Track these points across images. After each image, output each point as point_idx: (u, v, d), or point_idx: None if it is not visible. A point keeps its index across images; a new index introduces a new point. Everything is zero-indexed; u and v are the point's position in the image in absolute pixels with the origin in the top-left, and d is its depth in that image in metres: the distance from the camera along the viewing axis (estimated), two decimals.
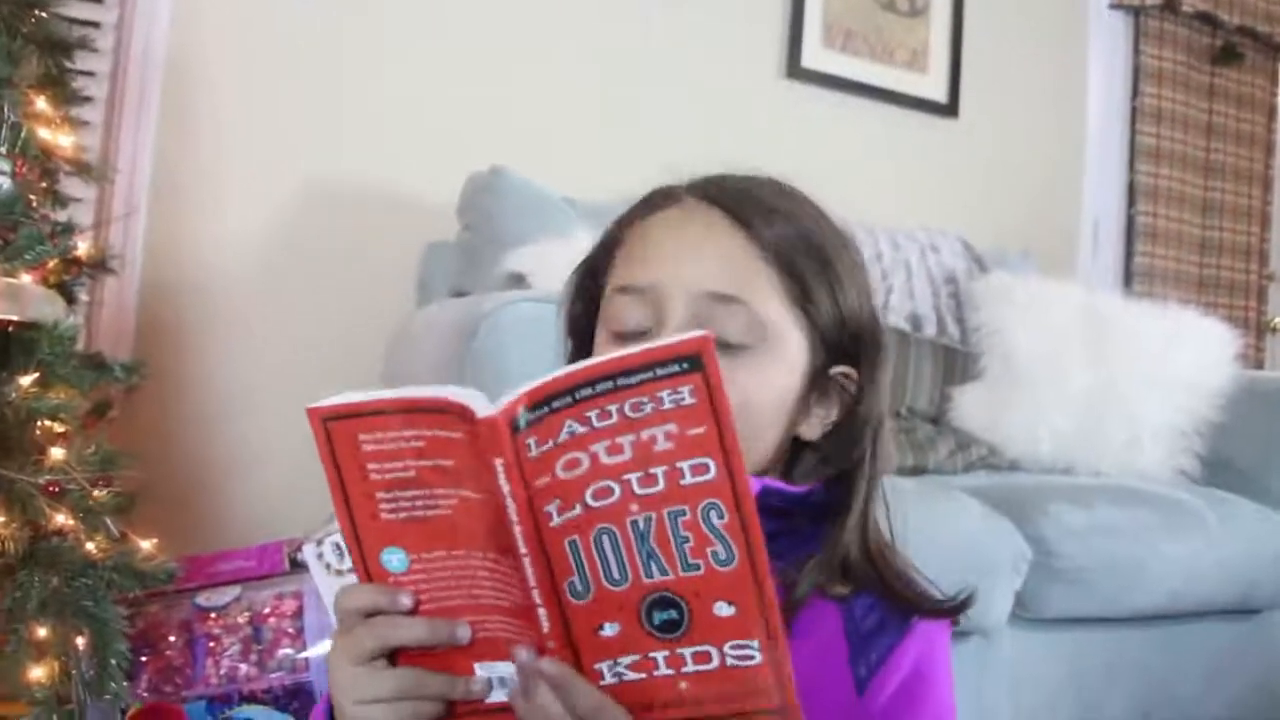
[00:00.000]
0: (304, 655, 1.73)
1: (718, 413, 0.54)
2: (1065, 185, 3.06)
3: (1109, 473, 2.15)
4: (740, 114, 2.68)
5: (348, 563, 1.89)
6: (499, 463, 0.56)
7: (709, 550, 0.57)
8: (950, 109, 2.94)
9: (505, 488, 0.57)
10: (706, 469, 0.55)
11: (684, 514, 0.57)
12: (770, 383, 0.75)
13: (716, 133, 2.59)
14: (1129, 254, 3.03)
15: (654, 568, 0.58)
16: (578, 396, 0.55)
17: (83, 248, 1.62)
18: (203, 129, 2.20)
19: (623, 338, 0.76)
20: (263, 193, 2.27)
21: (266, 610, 1.78)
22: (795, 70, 2.77)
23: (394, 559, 0.62)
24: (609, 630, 0.59)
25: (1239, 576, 1.90)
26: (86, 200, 1.96)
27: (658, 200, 0.81)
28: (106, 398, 1.58)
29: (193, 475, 2.22)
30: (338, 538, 1.85)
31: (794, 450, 0.80)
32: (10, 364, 1.33)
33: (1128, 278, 3.03)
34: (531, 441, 0.56)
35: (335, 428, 0.59)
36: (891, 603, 0.76)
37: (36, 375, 1.29)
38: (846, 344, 0.78)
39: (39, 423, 1.28)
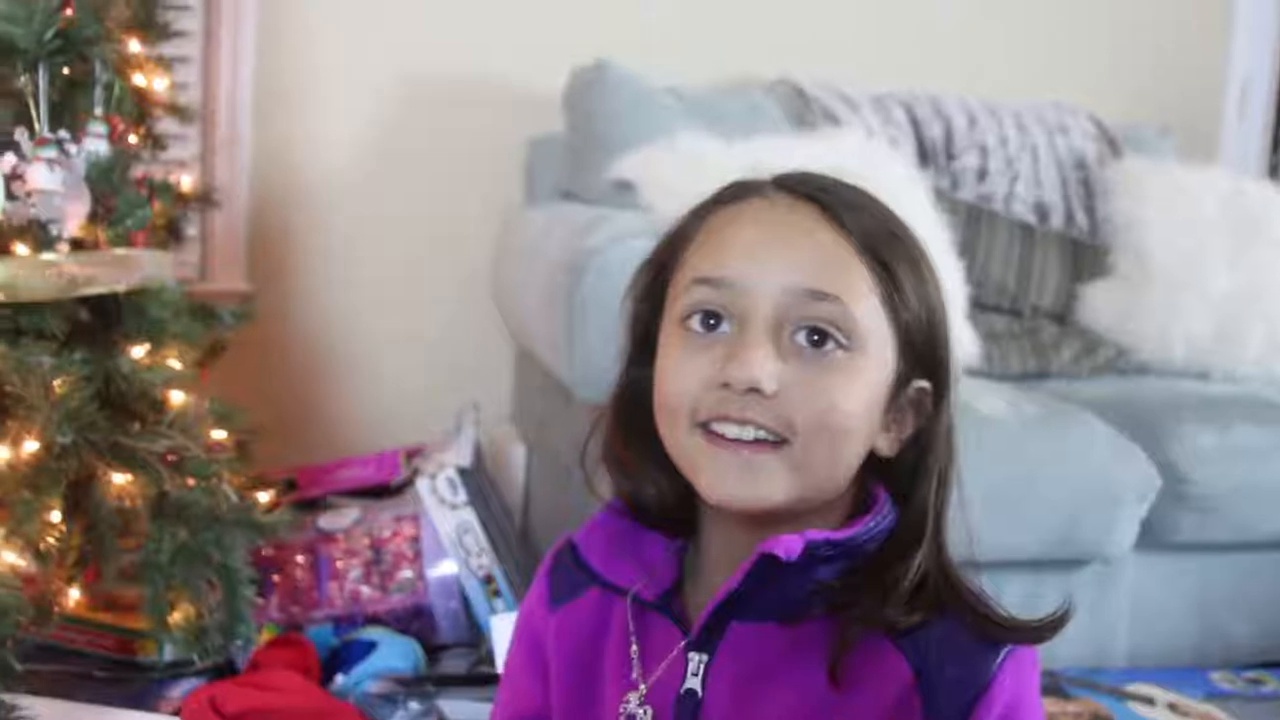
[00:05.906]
0: (423, 577, 1.77)
1: None
2: (1208, 43, 2.79)
3: (1248, 378, 2.03)
4: None
5: (461, 496, 1.90)
6: None
7: None
8: None
9: None
10: None
11: None
12: (861, 388, 0.71)
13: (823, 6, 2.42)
14: None
15: None
16: None
17: (187, 182, 1.61)
18: (297, 43, 2.16)
19: (699, 333, 0.72)
20: (362, 97, 2.24)
21: (386, 534, 1.82)
22: None
23: None
24: None
25: None
26: (190, 134, 1.94)
27: (737, 192, 0.76)
28: (218, 339, 1.59)
29: (309, 386, 2.27)
30: (450, 472, 1.86)
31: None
32: (123, 326, 1.34)
33: (1277, 144, 2.80)
34: None
35: None
36: (974, 627, 0.71)
37: (148, 342, 1.30)
38: (923, 353, 0.75)
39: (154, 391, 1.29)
